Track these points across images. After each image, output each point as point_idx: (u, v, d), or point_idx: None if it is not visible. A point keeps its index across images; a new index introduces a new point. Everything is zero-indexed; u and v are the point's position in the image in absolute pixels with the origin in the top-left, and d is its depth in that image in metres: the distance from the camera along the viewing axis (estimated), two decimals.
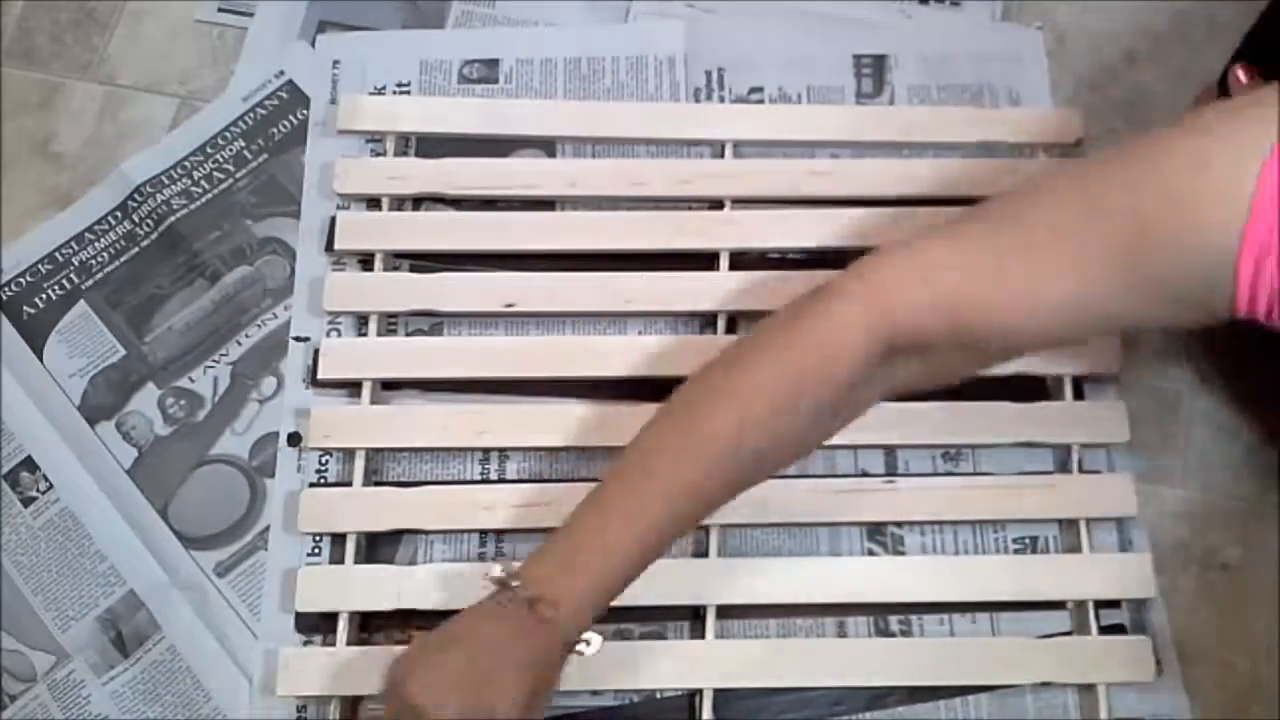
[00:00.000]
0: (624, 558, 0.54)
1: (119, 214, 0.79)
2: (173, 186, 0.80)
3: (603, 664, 0.66)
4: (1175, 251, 0.49)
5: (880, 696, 0.67)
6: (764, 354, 0.55)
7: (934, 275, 0.54)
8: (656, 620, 0.69)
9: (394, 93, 0.81)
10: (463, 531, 0.71)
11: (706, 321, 0.74)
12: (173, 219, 0.79)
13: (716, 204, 0.77)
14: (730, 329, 0.73)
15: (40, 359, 0.76)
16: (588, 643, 0.55)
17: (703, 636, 0.67)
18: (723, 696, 0.66)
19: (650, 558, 0.56)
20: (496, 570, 0.55)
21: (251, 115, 0.82)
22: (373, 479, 0.71)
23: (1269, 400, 0.74)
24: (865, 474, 0.72)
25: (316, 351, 0.73)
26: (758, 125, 0.79)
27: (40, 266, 0.78)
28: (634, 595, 0.67)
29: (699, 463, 0.55)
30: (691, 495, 0.55)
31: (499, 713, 0.51)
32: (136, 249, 0.79)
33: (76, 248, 0.79)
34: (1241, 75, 0.67)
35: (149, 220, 0.79)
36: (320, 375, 0.72)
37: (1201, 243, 0.48)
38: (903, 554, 0.71)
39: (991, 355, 0.59)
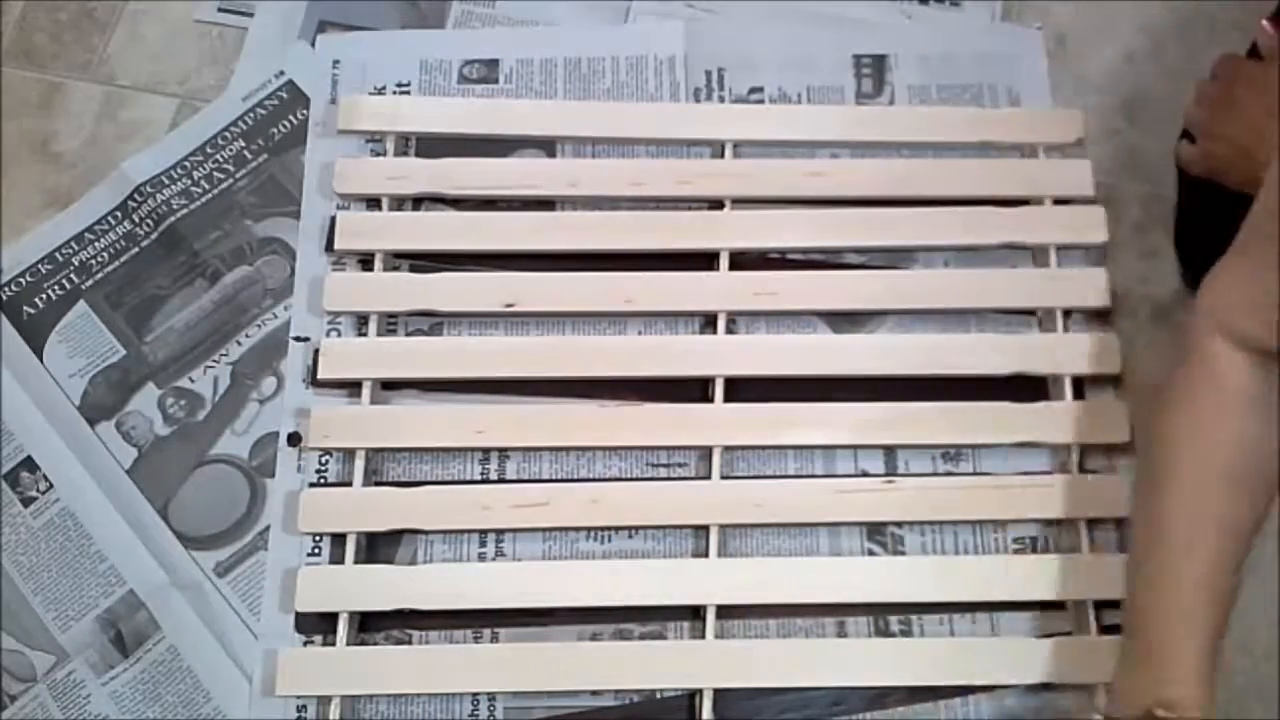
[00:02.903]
0: (1202, 642, 0.57)
1: (119, 214, 0.79)
2: (173, 186, 0.80)
3: (603, 664, 0.66)
4: None
5: (880, 696, 0.67)
6: (1177, 438, 0.58)
7: (1261, 296, 0.55)
8: (656, 620, 0.69)
9: (394, 93, 0.81)
10: (463, 531, 0.71)
11: (706, 321, 0.74)
12: (173, 219, 0.79)
13: (716, 204, 0.77)
14: (730, 329, 0.73)
15: (40, 359, 0.76)
16: None
17: (703, 636, 0.67)
18: (723, 696, 0.66)
19: (1222, 619, 0.58)
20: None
21: (251, 115, 0.82)
22: (373, 479, 0.71)
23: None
24: (865, 474, 0.72)
25: (316, 351, 0.73)
26: (758, 125, 0.79)
27: (40, 266, 0.78)
28: (634, 595, 0.67)
29: (1201, 525, 0.57)
30: (1211, 552, 0.57)
31: None
32: (136, 249, 0.79)
33: (76, 248, 0.79)
34: (1268, 26, 0.67)
35: (149, 220, 0.79)
36: (320, 375, 0.72)
37: None
38: (903, 554, 0.71)
39: None
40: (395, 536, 0.70)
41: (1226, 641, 0.69)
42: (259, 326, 0.77)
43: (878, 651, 0.68)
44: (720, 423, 0.71)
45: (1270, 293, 0.54)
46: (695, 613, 0.69)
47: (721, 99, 0.82)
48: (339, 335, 0.75)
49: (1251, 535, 0.58)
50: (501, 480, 0.72)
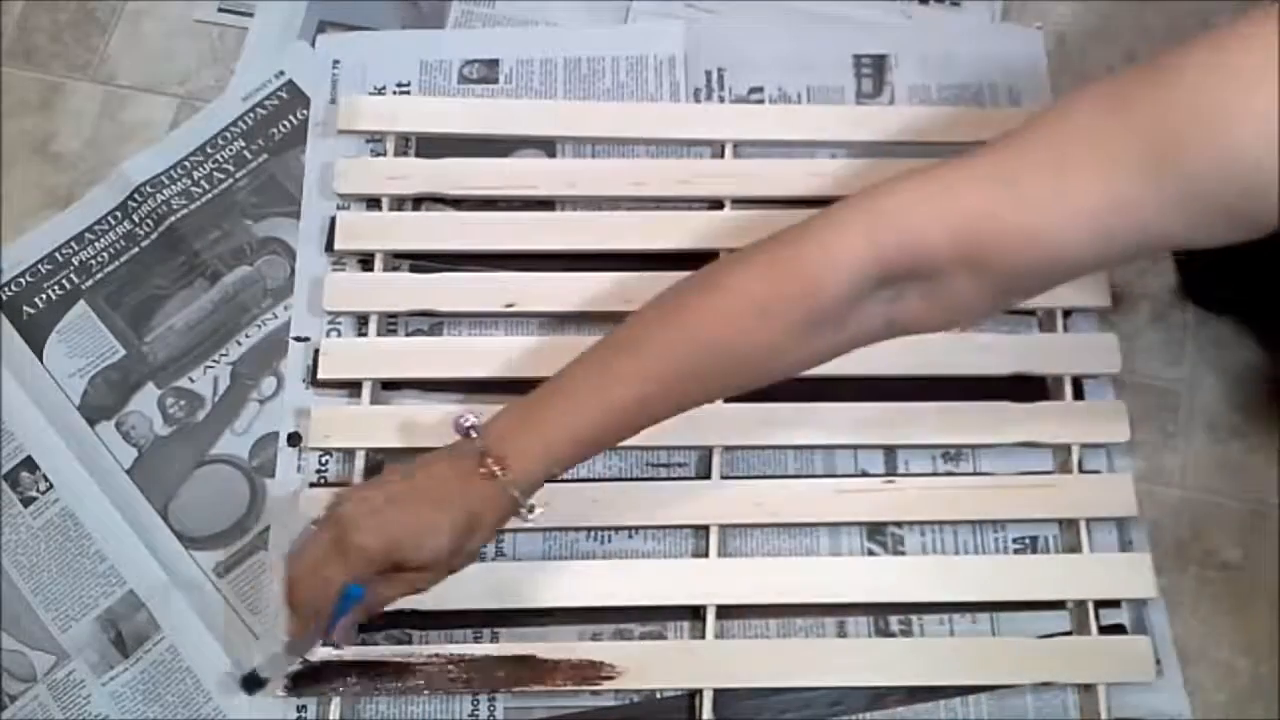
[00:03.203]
0: (583, 431, 0.54)
1: (119, 214, 0.79)
2: (173, 186, 0.80)
3: (603, 662, 0.66)
4: (1209, 161, 0.45)
5: (880, 696, 0.67)
6: (761, 257, 0.54)
7: (947, 192, 0.50)
8: (656, 620, 0.69)
9: (394, 93, 0.81)
10: None
11: None
12: (173, 219, 0.79)
13: (716, 204, 0.77)
14: None
15: (40, 359, 0.76)
16: (531, 509, 0.55)
17: (703, 636, 0.67)
18: (723, 696, 0.66)
19: (610, 439, 0.56)
20: (465, 418, 0.56)
21: (251, 115, 0.82)
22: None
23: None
24: (865, 474, 0.72)
25: (316, 351, 0.73)
26: (758, 125, 0.79)
27: (40, 266, 0.78)
28: (634, 595, 0.67)
29: (679, 353, 0.54)
30: (666, 384, 0.54)
31: (423, 548, 0.53)
32: (136, 249, 0.79)
33: (76, 248, 0.79)
34: None
35: (149, 220, 0.79)
36: (320, 375, 0.72)
37: (1236, 151, 0.45)
38: (903, 554, 0.71)
39: (1008, 286, 0.53)
40: None
41: (1227, 641, 0.70)
42: (259, 326, 0.77)
43: (878, 651, 0.68)
44: (720, 423, 0.71)
45: (992, 193, 0.49)
46: (695, 613, 0.69)
47: (721, 99, 0.82)
48: (339, 335, 0.75)
49: (681, 404, 0.57)
50: None
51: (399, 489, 0.55)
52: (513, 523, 0.56)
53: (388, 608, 0.57)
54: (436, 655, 0.66)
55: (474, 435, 0.55)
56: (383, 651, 0.66)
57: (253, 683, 0.61)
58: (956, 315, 0.54)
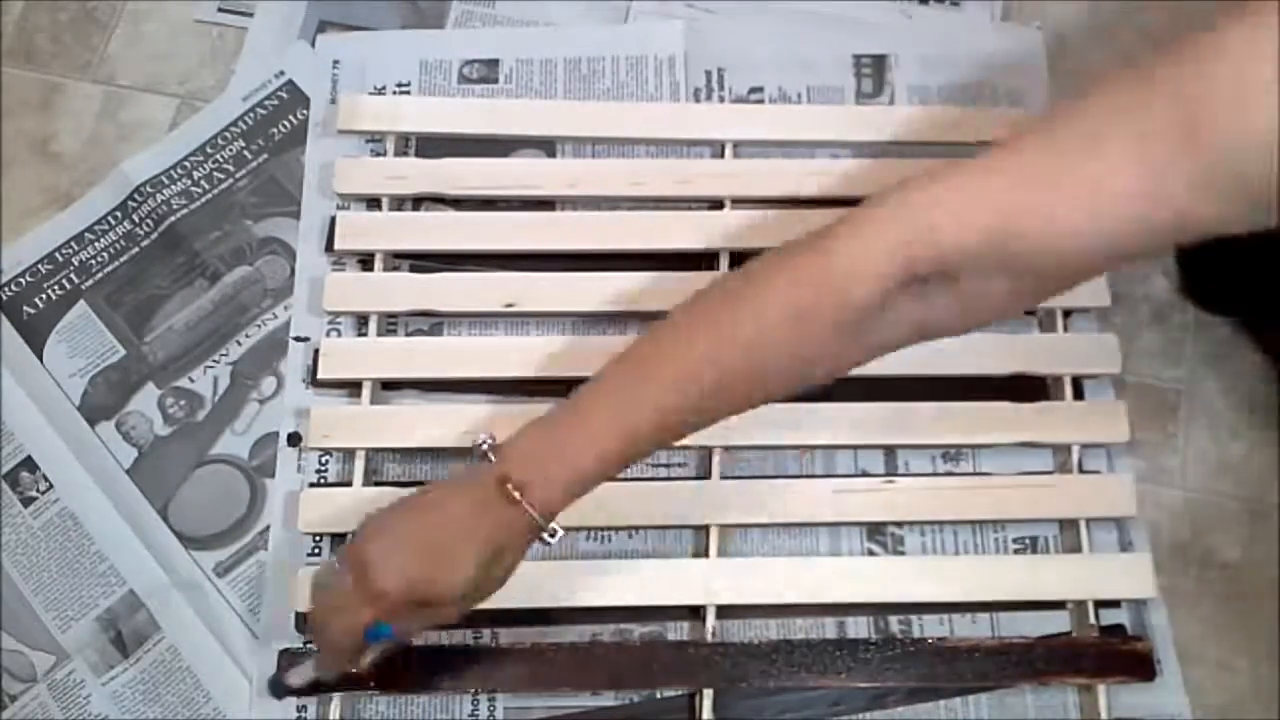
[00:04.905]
0: (603, 455, 0.52)
1: (119, 214, 0.79)
2: (173, 186, 0.80)
3: (602, 660, 0.66)
4: (1237, 141, 0.44)
5: (880, 696, 0.67)
6: (784, 266, 0.52)
7: (978, 190, 0.48)
8: (656, 620, 0.69)
9: (394, 93, 0.81)
10: None
11: None
12: (173, 219, 0.79)
13: (716, 204, 0.77)
14: None
15: (40, 359, 0.76)
16: (552, 534, 0.54)
17: (703, 636, 0.67)
18: (723, 696, 0.66)
19: (629, 459, 0.53)
20: (483, 439, 0.54)
21: (251, 115, 0.82)
22: (373, 479, 0.71)
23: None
24: (865, 474, 0.72)
25: (316, 351, 0.73)
26: (758, 125, 0.79)
27: (40, 266, 0.78)
28: (634, 595, 0.67)
29: (707, 367, 0.52)
30: (684, 404, 0.53)
31: (446, 584, 0.52)
32: (136, 249, 0.79)
33: (76, 248, 0.79)
34: None
35: (149, 220, 0.79)
36: (320, 375, 0.72)
37: (1264, 132, 0.43)
38: (903, 554, 0.71)
39: (1039, 286, 0.52)
40: None
41: (1227, 641, 0.70)
42: (259, 326, 0.77)
43: (878, 650, 0.68)
44: (720, 422, 0.71)
45: (1026, 181, 0.47)
46: (695, 613, 0.69)
47: (721, 99, 0.82)
48: (339, 335, 0.75)
49: (701, 421, 0.55)
50: None
51: (419, 524, 0.53)
52: (534, 548, 0.54)
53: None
54: (438, 655, 0.66)
55: (492, 459, 0.53)
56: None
57: (282, 689, 0.62)
58: (984, 316, 0.53)
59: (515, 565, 0.55)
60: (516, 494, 0.52)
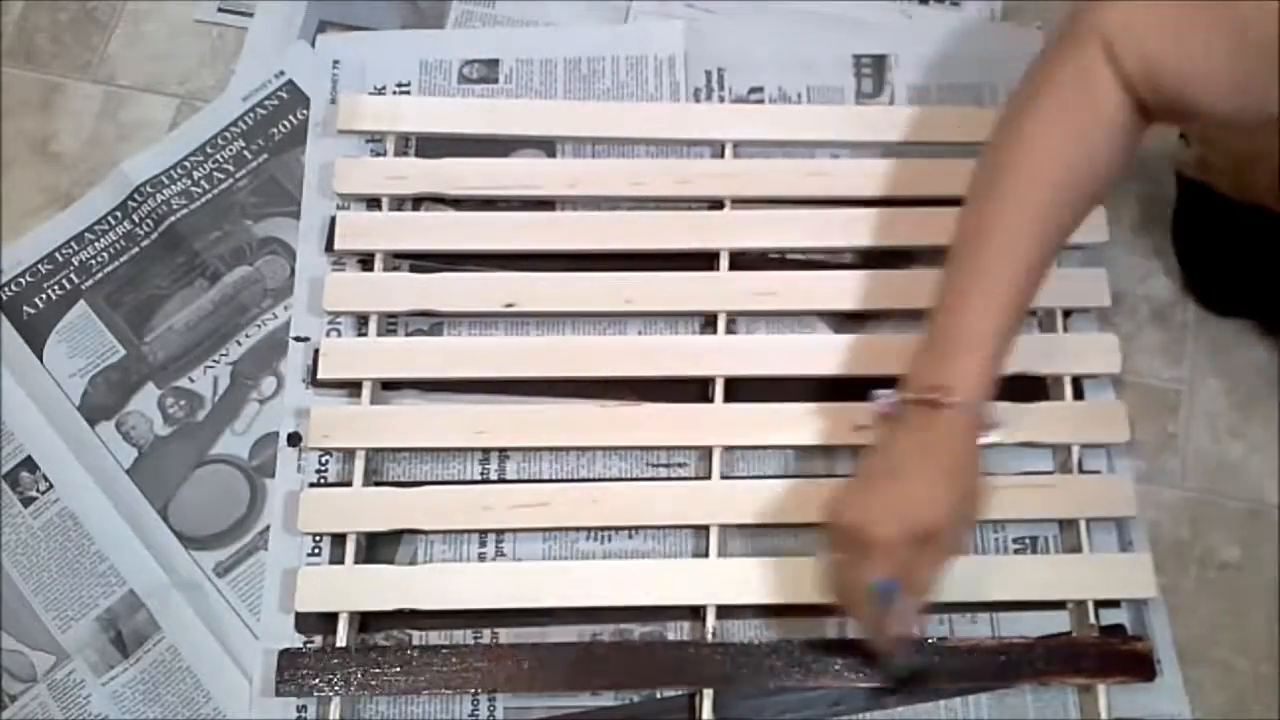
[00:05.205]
0: (995, 330, 0.57)
1: (119, 214, 0.79)
2: (173, 186, 0.80)
3: (602, 660, 0.66)
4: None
5: (880, 696, 0.67)
6: (1045, 102, 0.58)
7: (1134, 24, 0.55)
8: (656, 620, 0.69)
9: (394, 93, 0.81)
10: (463, 531, 0.71)
11: (706, 321, 0.74)
12: (173, 219, 0.79)
13: (716, 204, 0.77)
14: (730, 329, 0.73)
15: (40, 359, 0.76)
16: (994, 422, 0.58)
17: (703, 636, 0.67)
18: (723, 696, 0.66)
19: (1017, 323, 0.58)
20: (879, 401, 0.59)
21: (251, 115, 0.82)
22: (373, 479, 0.71)
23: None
24: None
25: (316, 351, 0.73)
26: (758, 125, 0.79)
27: (40, 266, 0.78)
28: (634, 595, 0.67)
29: (1023, 231, 0.57)
30: (1029, 257, 0.57)
31: (929, 507, 0.56)
32: (136, 249, 0.79)
33: (76, 248, 0.79)
34: None
35: (149, 220, 0.79)
36: (320, 375, 0.72)
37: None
38: None
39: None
40: (395, 536, 0.70)
41: (1227, 641, 0.70)
42: (259, 326, 0.77)
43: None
44: (720, 423, 0.71)
45: (1188, 19, 0.53)
46: (695, 613, 0.69)
47: (721, 99, 0.82)
48: (339, 335, 0.75)
49: (1063, 241, 0.60)
50: (502, 480, 0.72)
51: (879, 472, 0.58)
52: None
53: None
54: (437, 655, 0.66)
55: (899, 405, 0.58)
56: (383, 651, 0.66)
57: (900, 679, 0.64)
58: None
59: (977, 465, 0.59)
60: (950, 400, 0.56)
